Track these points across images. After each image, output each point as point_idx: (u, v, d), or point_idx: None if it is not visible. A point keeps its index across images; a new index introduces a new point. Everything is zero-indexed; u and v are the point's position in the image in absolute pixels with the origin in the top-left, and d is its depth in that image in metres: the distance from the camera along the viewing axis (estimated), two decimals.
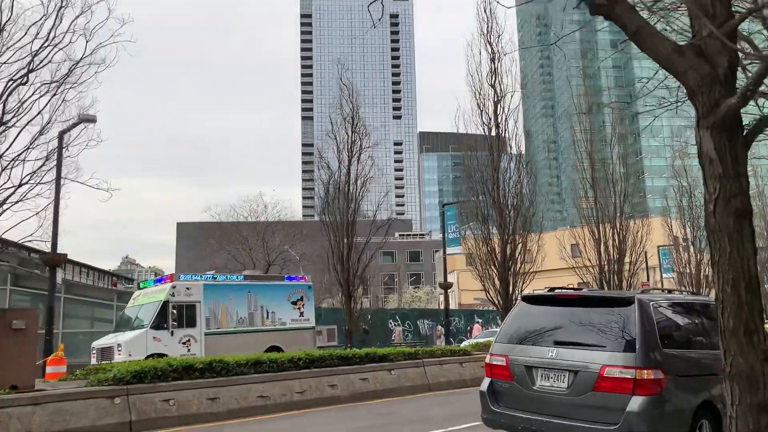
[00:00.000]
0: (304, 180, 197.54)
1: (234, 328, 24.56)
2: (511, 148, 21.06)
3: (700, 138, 3.94)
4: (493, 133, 20.97)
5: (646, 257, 27.98)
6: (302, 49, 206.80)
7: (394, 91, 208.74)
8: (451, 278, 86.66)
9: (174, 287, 23.21)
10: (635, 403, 6.70)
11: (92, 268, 58.76)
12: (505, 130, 20.83)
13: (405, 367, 15.19)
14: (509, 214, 20.23)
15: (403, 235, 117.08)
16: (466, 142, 22.05)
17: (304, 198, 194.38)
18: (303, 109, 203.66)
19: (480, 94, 21.21)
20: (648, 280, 36.39)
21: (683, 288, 33.08)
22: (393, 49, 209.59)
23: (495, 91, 21.08)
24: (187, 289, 23.57)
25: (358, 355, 14.39)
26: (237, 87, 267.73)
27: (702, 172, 4.00)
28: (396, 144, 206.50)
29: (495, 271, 20.32)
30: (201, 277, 25.57)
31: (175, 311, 22.91)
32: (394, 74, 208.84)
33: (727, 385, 3.94)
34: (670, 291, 9.74)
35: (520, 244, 20.52)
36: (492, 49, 21.38)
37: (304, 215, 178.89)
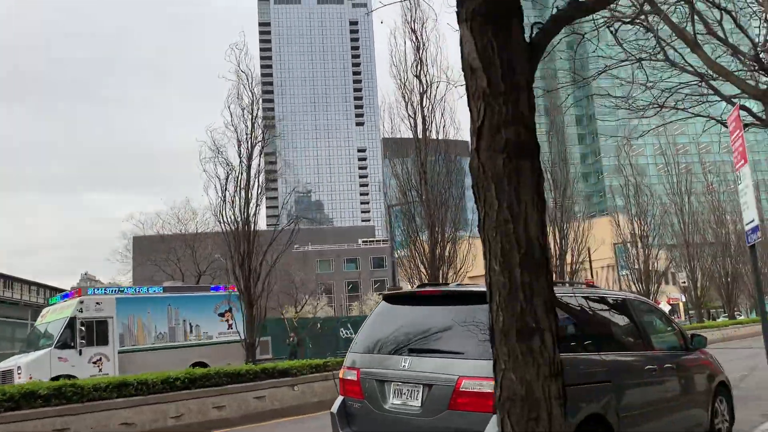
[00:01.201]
0: (268, 189, 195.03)
1: (152, 345, 22.84)
2: (438, 141, 19.73)
3: (460, 38, 2.57)
4: (420, 126, 19.66)
5: (589, 254, 27.01)
6: (262, 58, 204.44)
7: (356, 98, 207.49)
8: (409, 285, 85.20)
9: (82, 302, 21.44)
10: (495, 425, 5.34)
11: (28, 282, 55.90)
12: (432, 122, 19.50)
13: (311, 381, 13.69)
14: (436, 211, 18.87)
15: (367, 241, 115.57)
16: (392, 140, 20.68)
17: (268, 207, 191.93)
18: (264, 118, 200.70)
19: (405, 85, 19.90)
20: (594, 277, 35.62)
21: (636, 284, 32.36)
22: (354, 56, 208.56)
23: (420, 81, 19.79)
24: (97, 303, 21.80)
25: (252, 371, 12.83)
26: (195, 97, 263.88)
27: (466, 91, 2.59)
28: (360, 150, 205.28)
29: (424, 272, 18.96)
30: (114, 290, 23.82)
31: (83, 328, 21.14)
32: (355, 81, 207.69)
33: (498, 414, 2.56)
34: (577, 284, 8.36)
35: (450, 243, 19.19)
36: (416, 37, 20.09)
37: (267, 225, 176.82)
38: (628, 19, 8.30)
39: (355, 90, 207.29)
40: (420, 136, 19.35)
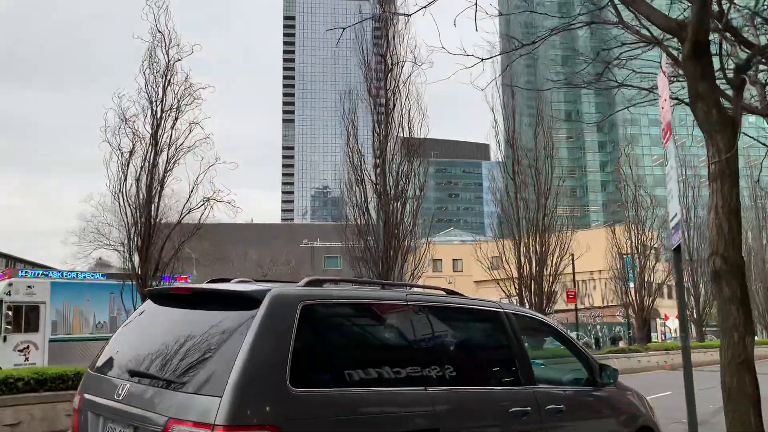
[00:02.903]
0: (283, 183, 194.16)
1: (89, 335, 21.24)
2: (400, 126, 17.82)
3: None
4: (382, 111, 17.76)
5: (573, 263, 24.81)
6: (284, 52, 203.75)
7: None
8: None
9: (10, 285, 19.88)
10: None
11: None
12: (394, 105, 17.58)
13: None
14: (391, 204, 16.94)
15: None
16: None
17: (283, 201, 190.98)
18: (284, 112, 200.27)
19: (368, 65, 18.01)
20: (583, 288, 33.51)
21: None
22: (376, 53, 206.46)
23: (385, 61, 17.88)
24: (29, 287, 20.22)
25: None
26: (220, 90, 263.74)
27: None
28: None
29: (374, 273, 17.06)
30: (49, 273, 22.29)
31: (10, 313, 19.57)
32: (377, 78, 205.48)
33: None
34: (420, 287, 6.26)
35: (407, 240, 17.24)
36: (383, 10, 18.18)
37: (282, 219, 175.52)
38: None
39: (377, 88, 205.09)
40: (380, 120, 17.43)
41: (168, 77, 13.77)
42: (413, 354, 4.45)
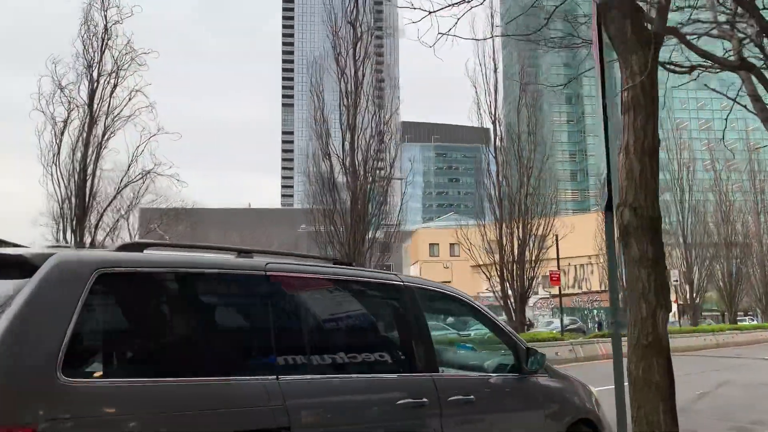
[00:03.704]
0: (283, 168, 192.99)
1: None
2: (369, 98, 16.85)
3: None
4: (351, 82, 16.78)
5: (557, 246, 23.82)
6: (283, 35, 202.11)
7: (377, 80, 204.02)
8: (414, 269, 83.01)
9: None
10: None
11: None
12: (363, 76, 16.61)
13: None
14: (360, 182, 16.02)
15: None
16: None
17: (283, 187, 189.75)
18: (283, 96, 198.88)
19: (337, 34, 17.02)
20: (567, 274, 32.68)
21: None
22: (376, 37, 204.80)
23: (354, 29, 16.88)
24: None
25: None
26: (218, 74, 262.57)
27: None
28: (378, 134, 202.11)
29: (341, 255, 16.16)
30: None
31: None
32: (377, 71, 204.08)
33: None
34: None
35: (375, 220, 16.33)
36: None
37: (282, 204, 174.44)
38: None
39: (377, 71, 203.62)
40: (349, 91, 16.45)
41: (105, 40, 12.82)
42: (265, 336, 3.58)
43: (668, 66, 8.05)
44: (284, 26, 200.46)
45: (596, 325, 46.01)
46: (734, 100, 6.32)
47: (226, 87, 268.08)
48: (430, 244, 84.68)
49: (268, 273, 3.67)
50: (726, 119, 6.12)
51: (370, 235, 16.42)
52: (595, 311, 54.02)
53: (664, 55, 9.11)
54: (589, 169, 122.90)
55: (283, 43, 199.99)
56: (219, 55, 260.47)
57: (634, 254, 2.90)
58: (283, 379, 3.39)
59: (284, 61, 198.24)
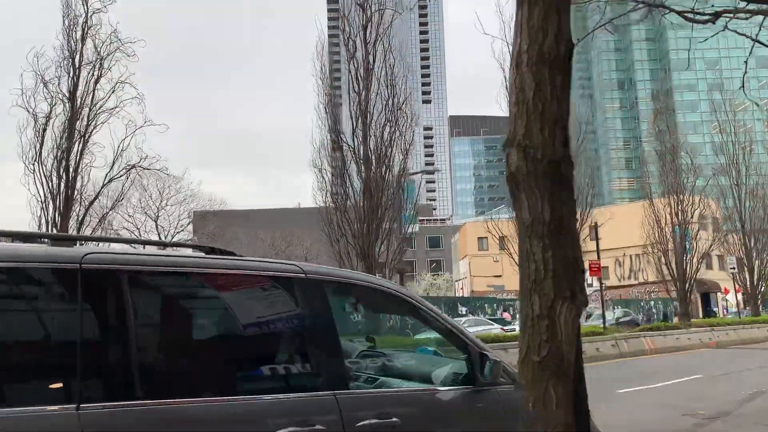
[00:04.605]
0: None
1: None
2: (379, 82, 15.81)
3: None
4: (362, 66, 15.80)
5: (596, 234, 22.17)
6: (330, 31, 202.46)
7: (423, 75, 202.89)
8: (462, 264, 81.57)
9: None
10: None
11: None
12: (374, 59, 15.58)
13: None
14: (372, 167, 14.98)
15: (423, 220, 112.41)
16: None
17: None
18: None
19: (343, 14, 16.04)
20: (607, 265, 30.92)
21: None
22: (422, 32, 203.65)
23: (363, 9, 15.88)
24: None
25: None
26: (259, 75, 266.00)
27: None
28: (426, 129, 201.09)
29: (354, 250, 15.20)
30: None
31: None
32: (423, 58, 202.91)
33: None
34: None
35: (389, 212, 15.28)
36: None
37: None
38: None
39: (423, 67, 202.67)
40: (360, 77, 15.44)
41: (86, 29, 12.21)
42: (66, 352, 2.66)
43: (689, 14, 6.79)
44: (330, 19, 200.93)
45: (646, 319, 43.88)
46: (757, 40, 5.15)
47: (279, 88, 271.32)
48: (478, 238, 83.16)
49: (84, 266, 2.73)
50: (746, 62, 4.92)
51: (386, 227, 15.42)
52: (652, 303, 51.63)
53: (686, 2, 7.85)
54: (646, 156, 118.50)
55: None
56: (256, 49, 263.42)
57: (525, 218, 1.86)
58: (87, 410, 2.47)
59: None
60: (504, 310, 41.03)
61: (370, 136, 15.43)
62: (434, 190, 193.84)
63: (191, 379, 2.96)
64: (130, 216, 34.97)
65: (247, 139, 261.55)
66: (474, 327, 26.67)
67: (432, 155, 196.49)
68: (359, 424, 3.16)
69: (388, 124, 15.62)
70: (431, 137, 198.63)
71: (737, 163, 32.30)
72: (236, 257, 3.41)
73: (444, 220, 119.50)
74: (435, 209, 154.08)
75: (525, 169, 1.90)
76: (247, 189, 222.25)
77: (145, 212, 34.98)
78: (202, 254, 3.37)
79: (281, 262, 3.68)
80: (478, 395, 3.78)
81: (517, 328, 30.01)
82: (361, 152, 15.39)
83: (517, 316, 36.19)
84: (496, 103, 20.45)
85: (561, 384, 1.77)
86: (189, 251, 3.72)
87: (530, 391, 1.81)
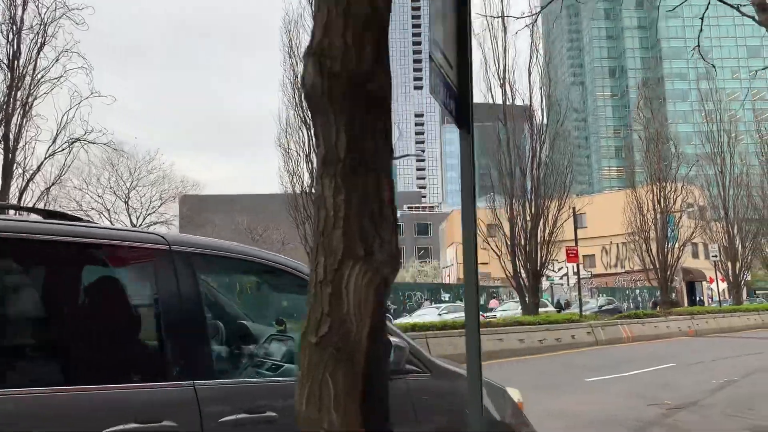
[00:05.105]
0: None
1: None
2: None
3: None
4: None
5: (575, 220, 21.72)
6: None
7: (415, 61, 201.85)
8: (450, 251, 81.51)
9: None
10: None
11: None
12: None
13: None
14: None
15: (412, 207, 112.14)
16: None
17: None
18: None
19: None
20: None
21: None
22: (414, 17, 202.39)
23: None
24: None
25: None
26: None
27: None
28: (417, 116, 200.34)
29: None
30: None
31: None
32: (414, 43, 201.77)
33: None
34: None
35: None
36: None
37: None
38: None
39: (414, 53, 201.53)
40: None
41: None
42: None
43: None
44: None
45: (634, 307, 43.74)
46: (738, 9, 4.73)
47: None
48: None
49: None
50: (702, 19, 4.43)
51: None
52: (637, 291, 51.53)
53: None
54: (635, 144, 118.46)
55: None
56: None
57: (320, 150, 1.38)
58: None
59: None
60: (493, 298, 40.80)
61: None
62: (424, 178, 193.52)
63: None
64: (99, 196, 34.31)
65: (243, 124, 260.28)
66: (452, 313, 26.34)
67: (423, 142, 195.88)
68: (223, 419, 2.68)
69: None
70: (422, 124, 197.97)
71: (722, 152, 32.01)
72: (84, 224, 2.90)
73: (433, 207, 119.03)
74: (425, 196, 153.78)
75: (320, 89, 1.42)
76: (237, 174, 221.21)
77: (114, 192, 34.36)
78: (39, 219, 2.86)
79: (142, 231, 3.17)
80: (428, 384, 3.36)
81: (498, 314, 29.72)
82: None
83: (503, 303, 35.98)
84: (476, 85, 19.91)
85: (342, 372, 1.29)
86: (21, 215, 3.21)
87: (302, 384, 1.33)
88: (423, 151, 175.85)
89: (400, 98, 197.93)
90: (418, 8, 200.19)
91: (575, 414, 8.85)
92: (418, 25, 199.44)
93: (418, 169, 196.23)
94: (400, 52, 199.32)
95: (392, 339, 3.27)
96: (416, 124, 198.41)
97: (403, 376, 3.36)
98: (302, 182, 14.95)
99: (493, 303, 38.31)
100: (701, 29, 5.54)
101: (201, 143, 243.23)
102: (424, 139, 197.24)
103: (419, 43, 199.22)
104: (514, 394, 4.18)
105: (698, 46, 5.81)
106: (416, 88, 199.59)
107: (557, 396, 10.18)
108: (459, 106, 2.78)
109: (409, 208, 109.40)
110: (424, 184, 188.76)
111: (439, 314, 26.33)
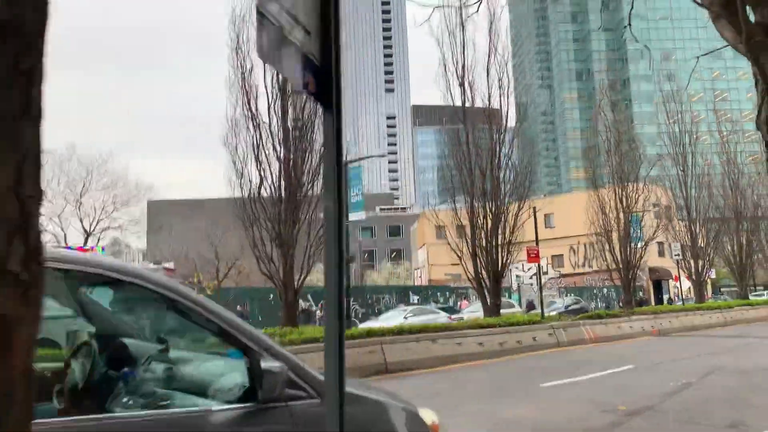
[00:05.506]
0: None
1: None
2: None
3: None
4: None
5: (535, 221, 21.51)
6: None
7: (386, 63, 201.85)
8: (421, 253, 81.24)
9: None
10: None
11: None
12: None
13: None
14: (291, 146, 13.75)
15: (384, 209, 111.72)
16: None
17: None
18: None
19: None
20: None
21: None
22: (384, 20, 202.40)
23: None
24: None
25: None
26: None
27: None
28: (389, 117, 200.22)
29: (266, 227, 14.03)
30: None
31: None
32: (385, 46, 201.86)
33: None
34: None
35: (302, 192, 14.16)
36: None
37: None
38: None
39: (386, 56, 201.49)
40: None
41: None
42: None
43: None
44: None
45: (605, 306, 43.90)
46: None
47: None
48: (436, 226, 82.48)
49: None
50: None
51: (309, 214, 14.34)
52: (605, 290, 51.72)
53: None
54: (600, 146, 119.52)
55: None
56: None
57: None
58: None
59: None
60: (464, 298, 40.44)
61: (289, 112, 14.34)
62: (397, 180, 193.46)
63: None
64: (49, 201, 33.26)
65: (210, 126, 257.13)
66: (418, 316, 25.87)
67: (395, 144, 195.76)
68: None
69: (309, 99, 14.46)
70: (394, 126, 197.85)
71: (684, 152, 32.22)
72: None
73: (405, 208, 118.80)
74: (397, 198, 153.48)
75: None
76: (209, 177, 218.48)
77: (64, 197, 33.41)
78: None
79: None
80: (261, 415, 2.78)
81: (465, 316, 29.34)
82: (279, 130, 14.27)
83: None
84: (434, 83, 19.59)
85: None
86: None
87: None
88: (382, 154, 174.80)
89: (371, 101, 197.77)
90: (389, 11, 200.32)
91: (521, 423, 8.45)
92: (389, 29, 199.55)
93: (390, 171, 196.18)
94: (371, 56, 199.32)
95: (264, 363, 2.75)
96: (388, 126, 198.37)
97: (284, 404, 2.83)
98: (250, 183, 14.39)
99: (464, 304, 38.08)
100: (632, 6, 5.17)
101: (179, 145, 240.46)
102: (396, 141, 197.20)
103: (390, 46, 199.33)
104: (427, 416, 3.69)
105: (629, 25, 5.43)
106: (387, 90, 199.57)
107: (510, 404, 9.78)
108: (320, 79, 2.29)
109: (381, 209, 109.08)
110: (397, 186, 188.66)
111: (405, 317, 25.79)
